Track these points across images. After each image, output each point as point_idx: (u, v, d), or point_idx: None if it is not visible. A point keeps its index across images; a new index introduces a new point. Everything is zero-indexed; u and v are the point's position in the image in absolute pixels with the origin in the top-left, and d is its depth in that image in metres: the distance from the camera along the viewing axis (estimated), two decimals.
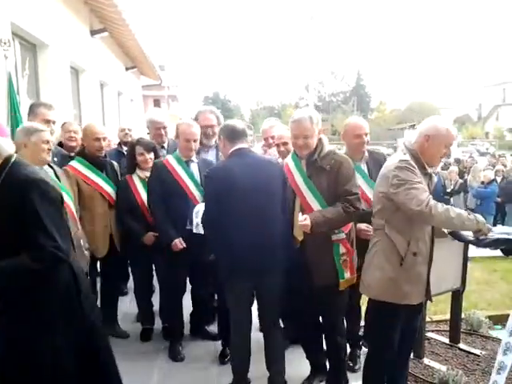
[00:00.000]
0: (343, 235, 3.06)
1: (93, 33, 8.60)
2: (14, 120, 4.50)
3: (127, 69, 12.77)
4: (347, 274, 3.09)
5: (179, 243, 3.59)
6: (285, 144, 3.64)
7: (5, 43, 4.56)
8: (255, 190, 2.94)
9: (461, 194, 11.14)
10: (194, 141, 3.71)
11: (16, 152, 2.94)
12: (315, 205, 3.00)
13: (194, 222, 3.46)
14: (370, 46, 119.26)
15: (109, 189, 3.95)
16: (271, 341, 3.21)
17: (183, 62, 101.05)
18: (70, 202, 3.39)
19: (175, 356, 3.82)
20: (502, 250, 2.73)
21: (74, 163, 3.89)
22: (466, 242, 3.49)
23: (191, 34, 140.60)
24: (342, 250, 3.06)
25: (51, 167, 3.38)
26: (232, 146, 3.11)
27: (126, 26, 9.01)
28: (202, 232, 3.36)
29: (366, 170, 3.58)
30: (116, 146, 5.13)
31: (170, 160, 3.74)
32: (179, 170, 3.69)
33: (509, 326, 2.71)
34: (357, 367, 3.61)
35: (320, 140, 3.08)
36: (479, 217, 2.66)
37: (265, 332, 3.26)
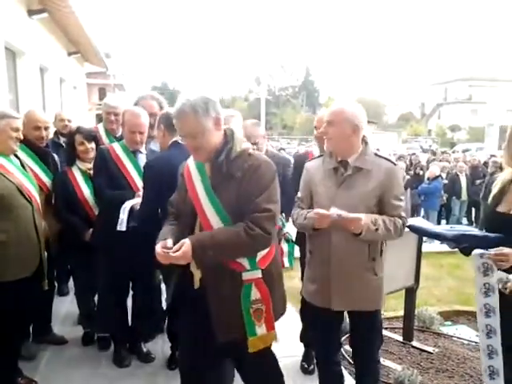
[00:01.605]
0: (258, 273, 2.23)
1: (30, 13, 8.01)
2: None
3: (70, 54, 12.10)
4: (261, 330, 2.22)
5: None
6: (254, 144, 3.42)
7: None
8: None
9: (408, 190, 11.35)
10: (140, 133, 3.37)
11: None
12: (218, 225, 2.21)
13: (120, 219, 3.18)
14: (318, 41, 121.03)
15: (48, 182, 3.61)
16: None
17: (130, 50, 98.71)
18: (35, 193, 3.07)
19: (120, 362, 3.53)
20: (460, 250, 2.63)
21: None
22: (429, 236, 3.41)
23: (139, 21, 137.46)
24: (256, 294, 2.21)
25: (17, 156, 3.09)
26: (171, 137, 2.92)
27: (67, 8, 8.46)
28: (124, 229, 3.15)
29: None
30: (52, 137, 4.58)
31: (115, 147, 3.42)
32: (124, 160, 3.37)
33: (481, 329, 2.54)
34: (311, 368, 3.47)
35: (227, 135, 2.27)
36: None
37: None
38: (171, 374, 3.40)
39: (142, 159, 3.43)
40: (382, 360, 3.70)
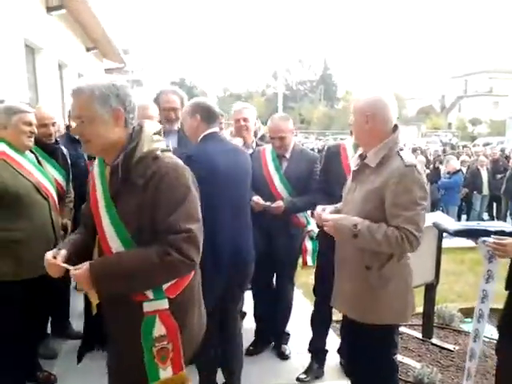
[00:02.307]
0: (164, 303, 1.79)
1: (49, 9, 8.09)
2: None
3: (88, 50, 12.20)
4: (166, 373, 1.79)
5: None
6: (281, 139, 3.43)
7: None
8: (236, 178, 2.73)
9: (428, 185, 11.19)
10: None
11: None
12: (117, 245, 1.80)
13: None
14: (337, 35, 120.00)
15: (60, 179, 3.51)
16: (231, 335, 2.97)
17: (148, 46, 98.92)
18: (52, 189, 3.02)
19: None
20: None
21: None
22: (441, 231, 3.41)
23: (157, 17, 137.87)
24: (160, 329, 1.78)
25: (33, 152, 3.05)
26: (206, 129, 2.75)
27: (85, 4, 8.54)
28: None
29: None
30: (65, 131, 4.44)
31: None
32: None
33: (475, 313, 2.85)
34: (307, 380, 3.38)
35: (131, 132, 1.86)
36: None
37: (224, 328, 2.99)
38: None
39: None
40: (400, 357, 3.65)
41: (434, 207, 10.62)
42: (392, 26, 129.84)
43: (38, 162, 3.04)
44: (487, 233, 2.68)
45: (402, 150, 2.25)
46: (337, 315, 3.42)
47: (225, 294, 2.80)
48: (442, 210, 9.93)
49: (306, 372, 3.40)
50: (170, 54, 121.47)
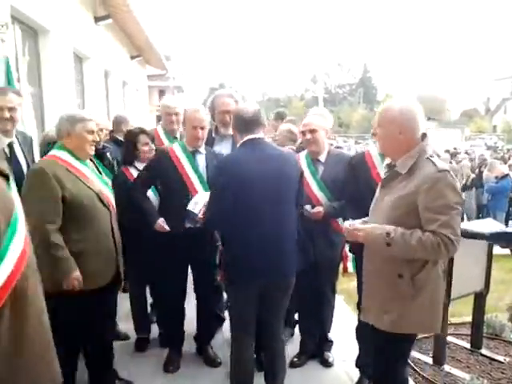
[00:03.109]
0: None
1: (97, 19, 8.35)
2: None
3: (132, 57, 12.52)
4: None
5: (162, 223, 3.25)
6: (312, 131, 3.38)
7: (2, 26, 4.33)
8: (267, 186, 2.64)
9: (473, 190, 10.87)
10: (202, 128, 3.30)
11: (60, 140, 2.78)
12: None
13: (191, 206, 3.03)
14: (377, 37, 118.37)
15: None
16: (273, 355, 2.92)
17: (189, 52, 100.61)
18: (111, 198, 2.96)
19: (166, 365, 3.49)
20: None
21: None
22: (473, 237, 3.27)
23: (197, 24, 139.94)
24: None
25: (91, 160, 3.00)
26: (242, 137, 2.76)
27: (130, 13, 8.77)
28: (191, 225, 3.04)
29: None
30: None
31: (175, 148, 3.37)
32: (183, 161, 3.33)
33: None
34: None
35: None
36: None
37: (267, 346, 2.96)
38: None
39: (201, 160, 3.38)
40: (448, 368, 3.57)
41: (479, 213, 10.32)
42: (434, 27, 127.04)
43: (98, 170, 3.01)
44: None
45: (432, 156, 2.25)
46: None
47: (260, 305, 2.79)
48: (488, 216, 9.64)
49: None
50: (210, 60, 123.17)
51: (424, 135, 2.28)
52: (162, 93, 33.37)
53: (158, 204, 3.49)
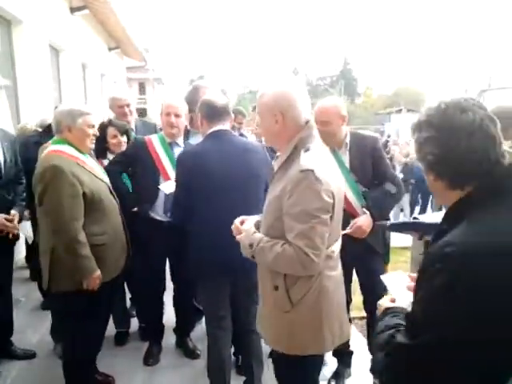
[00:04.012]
0: None
1: (73, 10, 8.23)
2: None
3: (110, 49, 12.36)
4: None
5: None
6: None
7: None
8: (231, 181, 2.51)
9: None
10: (176, 115, 3.17)
11: (59, 134, 2.65)
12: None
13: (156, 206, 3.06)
14: (357, 30, 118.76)
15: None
16: (248, 347, 2.88)
17: (168, 44, 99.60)
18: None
19: (146, 359, 3.47)
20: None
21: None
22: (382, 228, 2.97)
23: (177, 15, 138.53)
24: None
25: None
26: (210, 126, 2.60)
27: (107, 4, 8.65)
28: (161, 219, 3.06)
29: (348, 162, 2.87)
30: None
31: (153, 139, 3.31)
32: (160, 152, 3.26)
33: None
34: None
35: None
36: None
37: (240, 340, 2.90)
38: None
39: (179, 152, 3.22)
40: None
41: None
42: (413, 19, 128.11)
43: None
44: (421, 226, 2.43)
45: (308, 149, 1.84)
46: (359, 311, 3.39)
47: (233, 303, 2.72)
48: None
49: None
50: (190, 52, 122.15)
51: (307, 122, 1.91)
52: (141, 85, 33.10)
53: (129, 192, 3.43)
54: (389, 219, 3.02)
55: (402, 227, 2.80)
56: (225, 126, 2.63)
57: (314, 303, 1.91)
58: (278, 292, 1.92)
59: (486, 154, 1.11)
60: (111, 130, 3.55)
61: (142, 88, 34.14)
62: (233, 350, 3.29)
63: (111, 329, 3.87)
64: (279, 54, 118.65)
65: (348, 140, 2.87)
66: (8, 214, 3.25)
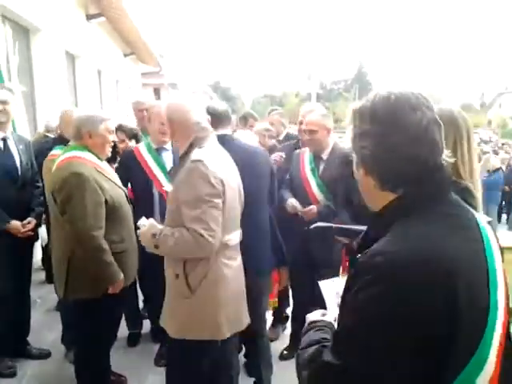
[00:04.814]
0: None
1: (89, 17, 8.36)
2: None
3: (125, 55, 12.51)
4: None
5: None
6: (312, 132, 3.25)
7: None
8: (235, 185, 2.50)
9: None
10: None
11: (78, 140, 2.64)
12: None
13: None
14: (373, 34, 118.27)
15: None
16: (257, 350, 2.93)
17: (183, 50, 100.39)
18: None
19: (158, 361, 3.50)
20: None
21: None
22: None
23: (192, 21, 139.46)
24: None
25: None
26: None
27: (123, 11, 8.77)
28: None
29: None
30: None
31: (140, 148, 3.32)
32: (148, 159, 3.26)
33: None
34: None
35: None
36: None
37: (250, 343, 2.96)
38: None
39: (167, 156, 3.34)
40: None
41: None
42: (429, 22, 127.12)
43: None
44: (348, 231, 2.49)
45: (201, 147, 2.15)
46: None
47: None
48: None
49: None
50: (205, 57, 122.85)
51: (197, 124, 2.20)
52: (156, 90, 33.33)
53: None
54: None
55: (327, 230, 2.76)
56: (226, 130, 2.71)
57: (212, 290, 2.10)
58: (179, 280, 2.10)
59: (427, 161, 1.02)
60: (119, 135, 3.57)
61: (157, 93, 34.35)
62: (243, 351, 3.35)
63: (124, 330, 3.94)
64: (293, 58, 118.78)
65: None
66: (25, 216, 3.33)
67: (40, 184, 3.56)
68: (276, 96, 61.23)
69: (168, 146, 3.37)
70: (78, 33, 7.86)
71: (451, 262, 0.94)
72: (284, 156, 3.81)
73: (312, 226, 2.50)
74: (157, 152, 3.34)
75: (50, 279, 4.73)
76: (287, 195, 3.36)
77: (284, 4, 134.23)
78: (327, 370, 1.02)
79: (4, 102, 3.25)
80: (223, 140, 2.63)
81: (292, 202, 3.26)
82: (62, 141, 3.48)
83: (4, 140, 3.30)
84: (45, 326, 4.06)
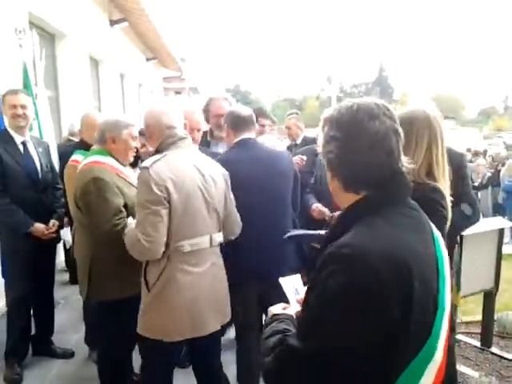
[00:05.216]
0: None
1: (112, 23, 8.52)
2: None
3: (148, 60, 12.69)
4: None
5: None
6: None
7: (20, 32, 4.47)
8: (261, 187, 2.57)
9: (489, 188, 10.76)
10: (198, 130, 3.14)
11: (101, 145, 2.66)
12: None
13: None
14: (393, 36, 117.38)
15: None
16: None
17: (204, 54, 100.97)
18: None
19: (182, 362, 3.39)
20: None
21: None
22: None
23: (212, 25, 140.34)
24: None
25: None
26: (236, 136, 2.72)
27: (145, 16, 8.91)
28: None
29: None
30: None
31: None
32: None
33: None
34: None
35: None
36: None
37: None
38: None
39: None
40: (458, 366, 3.58)
41: (495, 211, 10.22)
42: (452, 24, 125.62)
43: None
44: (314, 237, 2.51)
45: (163, 152, 2.21)
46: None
47: (263, 310, 2.64)
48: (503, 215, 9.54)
49: None
50: (225, 61, 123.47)
51: (169, 128, 2.25)
52: (177, 94, 33.60)
53: None
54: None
55: (301, 238, 2.73)
56: (250, 134, 2.74)
57: (163, 291, 2.15)
58: (143, 278, 2.21)
59: (383, 166, 1.11)
60: (141, 139, 3.60)
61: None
62: None
63: None
64: (314, 61, 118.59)
65: None
66: (47, 219, 3.40)
67: (61, 186, 3.61)
68: (296, 99, 61.20)
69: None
70: (101, 38, 8.01)
71: (408, 256, 1.03)
72: (305, 159, 3.81)
73: (286, 236, 2.54)
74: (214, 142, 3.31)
75: (73, 280, 4.82)
76: (312, 200, 3.34)
77: (304, 7, 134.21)
78: (291, 353, 1.08)
79: (23, 107, 3.32)
80: (248, 143, 2.69)
81: (318, 207, 3.22)
82: (82, 145, 3.51)
83: (24, 144, 3.37)
84: (68, 326, 4.14)
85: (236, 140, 2.72)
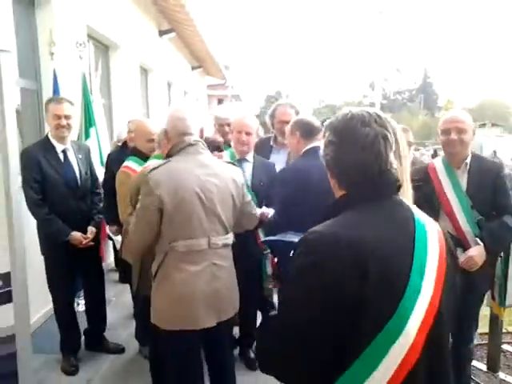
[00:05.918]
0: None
1: (161, 33, 8.82)
2: (87, 118, 4.68)
3: (193, 68, 13.00)
4: None
5: None
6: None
7: (80, 45, 4.75)
8: (328, 196, 2.61)
9: None
10: (247, 133, 3.25)
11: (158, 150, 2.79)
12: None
13: None
14: (438, 41, 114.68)
15: None
16: None
17: (246, 61, 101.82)
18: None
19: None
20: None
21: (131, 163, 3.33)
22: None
23: (254, 32, 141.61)
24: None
25: None
26: (307, 144, 2.82)
27: (193, 27, 9.17)
28: None
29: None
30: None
31: (224, 156, 3.32)
32: None
33: None
34: None
35: None
36: None
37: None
38: None
39: (248, 168, 3.34)
40: (503, 375, 3.53)
41: None
42: (497, 29, 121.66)
43: None
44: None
45: (171, 156, 2.36)
46: None
47: None
48: None
49: None
50: (267, 67, 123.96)
51: (185, 134, 2.37)
52: (220, 101, 34.02)
53: None
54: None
55: (276, 245, 2.67)
56: (318, 142, 2.80)
57: (161, 283, 2.32)
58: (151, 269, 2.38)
59: (371, 167, 1.23)
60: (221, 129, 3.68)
61: (220, 104, 35.07)
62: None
63: None
64: (356, 67, 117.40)
65: (469, 161, 2.72)
66: (85, 226, 3.47)
67: (100, 191, 3.71)
68: (336, 106, 60.81)
69: (249, 157, 3.39)
70: (151, 48, 8.32)
71: (368, 239, 1.11)
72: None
73: (261, 240, 2.56)
74: (238, 163, 3.25)
75: (122, 279, 5.01)
76: None
77: (347, 13, 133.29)
78: (270, 327, 1.24)
79: (67, 117, 3.36)
80: (316, 151, 2.75)
81: None
82: (134, 152, 3.51)
83: (64, 152, 3.42)
84: (119, 323, 4.34)
85: (306, 148, 2.83)
